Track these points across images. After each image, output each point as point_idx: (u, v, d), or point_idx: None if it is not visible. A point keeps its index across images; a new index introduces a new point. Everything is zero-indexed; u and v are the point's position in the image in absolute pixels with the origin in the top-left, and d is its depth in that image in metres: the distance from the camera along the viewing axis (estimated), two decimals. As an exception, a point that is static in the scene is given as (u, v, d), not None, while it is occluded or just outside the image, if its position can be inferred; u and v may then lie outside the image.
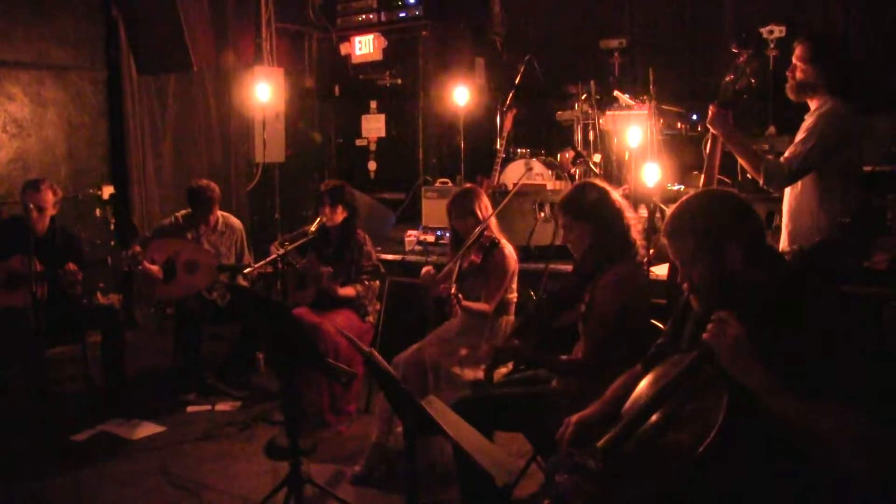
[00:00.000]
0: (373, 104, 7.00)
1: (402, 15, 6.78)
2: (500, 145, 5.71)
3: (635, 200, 3.74)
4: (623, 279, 2.66)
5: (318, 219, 4.25)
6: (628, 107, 5.39)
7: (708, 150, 3.30)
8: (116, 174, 6.05)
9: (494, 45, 7.00)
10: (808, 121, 3.21)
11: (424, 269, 3.74)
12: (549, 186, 5.19)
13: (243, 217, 5.84)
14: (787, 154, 3.19)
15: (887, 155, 4.61)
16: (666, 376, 1.78)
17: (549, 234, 4.35)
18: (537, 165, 5.52)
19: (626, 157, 5.19)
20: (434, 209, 5.33)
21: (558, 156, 5.77)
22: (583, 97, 5.66)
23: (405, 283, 4.72)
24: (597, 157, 5.43)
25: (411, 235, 5.36)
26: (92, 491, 3.46)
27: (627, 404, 1.94)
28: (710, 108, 3.22)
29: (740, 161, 3.38)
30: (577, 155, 5.38)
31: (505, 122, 5.80)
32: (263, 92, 5.69)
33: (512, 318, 3.70)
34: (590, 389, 2.42)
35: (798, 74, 3.22)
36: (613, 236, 2.73)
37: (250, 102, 6.14)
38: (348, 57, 7.03)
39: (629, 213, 2.82)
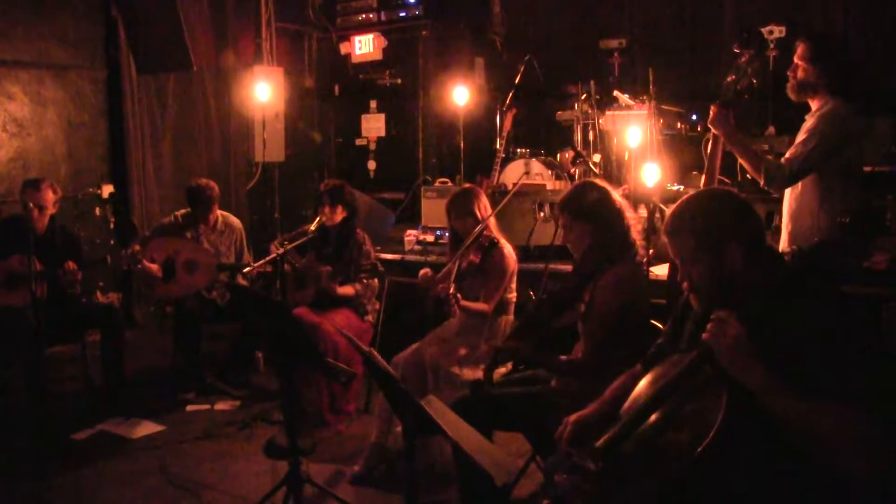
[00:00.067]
0: (372, 104, 7.00)
1: (402, 14, 6.78)
2: (500, 145, 5.70)
3: (635, 200, 3.74)
4: (623, 279, 2.66)
5: (318, 218, 4.25)
6: (628, 107, 5.39)
7: (709, 151, 3.29)
8: (116, 173, 6.06)
9: (494, 45, 7.00)
10: (809, 122, 3.20)
11: (422, 272, 3.73)
12: (549, 186, 5.19)
13: (243, 216, 5.84)
14: (787, 155, 3.18)
15: (887, 155, 4.62)
16: (665, 376, 1.78)
17: (549, 234, 4.35)
18: (537, 165, 5.51)
19: (626, 158, 5.18)
20: (433, 209, 5.33)
21: (558, 156, 5.76)
22: (582, 97, 5.65)
23: (405, 283, 4.72)
24: (596, 157, 5.43)
25: (411, 235, 5.35)
26: (91, 490, 3.46)
27: (627, 404, 1.94)
28: (712, 108, 3.21)
29: (741, 161, 3.38)
30: (577, 155, 5.38)
31: (504, 122, 5.79)
32: (263, 91, 5.69)
33: (511, 317, 3.70)
34: (589, 389, 2.42)
35: (799, 74, 3.22)
36: (614, 236, 2.72)
37: (250, 102, 6.14)
38: (348, 56, 7.03)
39: (629, 214, 2.81)
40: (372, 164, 7.02)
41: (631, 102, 5.38)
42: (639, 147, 4.64)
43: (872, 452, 1.52)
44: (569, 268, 2.95)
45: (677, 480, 1.60)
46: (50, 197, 4.23)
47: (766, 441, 1.60)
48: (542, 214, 4.70)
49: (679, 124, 5.53)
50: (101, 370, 4.38)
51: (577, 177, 5.31)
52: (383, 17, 6.87)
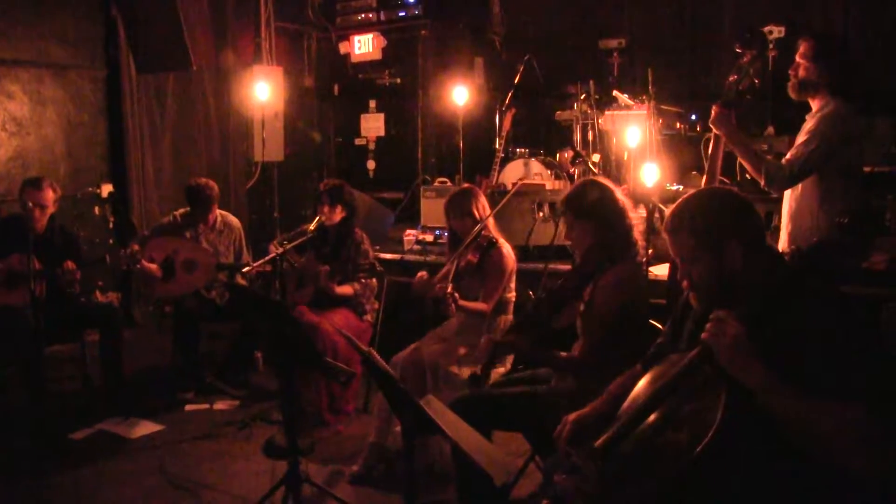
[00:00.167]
0: (372, 103, 7.00)
1: (402, 14, 6.78)
2: (499, 145, 5.70)
3: (634, 200, 3.74)
4: (623, 279, 2.65)
5: (317, 218, 4.25)
6: (627, 107, 5.38)
7: (710, 151, 3.29)
8: (115, 173, 6.05)
9: (494, 45, 7.00)
10: (810, 122, 3.20)
11: (418, 276, 3.70)
12: (548, 186, 5.18)
13: (242, 216, 5.84)
14: (788, 156, 3.18)
15: (887, 155, 4.62)
16: (665, 376, 1.78)
17: (548, 233, 4.35)
18: (536, 165, 5.51)
19: (625, 157, 5.19)
20: (433, 209, 5.33)
21: (557, 155, 5.76)
22: (582, 97, 5.65)
23: (404, 283, 4.72)
24: (596, 157, 5.43)
25: (410, 235, 5.35)
26: (91, 490, 3.46)
27: (626, 404, 1.93)
28: (714, 108, 3.20)
29: (741, 162, 3.38)
30: (577, 155, 5.39)
31: (504, 122, 5.79)
32: (262, 91, 5.69)
33: (510, 317, 3.70)
34: (588, 389, 2.42)
35: (801, 72, 3.21)
36: (615, 236, 2.71)
37: (249, 101, 6.14)
38: (347, 56, 7.03)
39: (632, 213, 2.80)
40: (371, 164, 7.03)
41: (630, 102, 5.38)
42: (638, 147, 4.64)
43: (872, 452, 1.52)
44: (568, 268, 2.94)
45: (676, 480, 1.59)
46: (50, 196, 4.23)
47: (765, 441, 1.60)
48: (541, 214, 4.70)
49: (678, 124, 5.52)
50: (100, 370, 4.38)
51: (576, 177, 5.31)
52: (383, 17, 6.87)
